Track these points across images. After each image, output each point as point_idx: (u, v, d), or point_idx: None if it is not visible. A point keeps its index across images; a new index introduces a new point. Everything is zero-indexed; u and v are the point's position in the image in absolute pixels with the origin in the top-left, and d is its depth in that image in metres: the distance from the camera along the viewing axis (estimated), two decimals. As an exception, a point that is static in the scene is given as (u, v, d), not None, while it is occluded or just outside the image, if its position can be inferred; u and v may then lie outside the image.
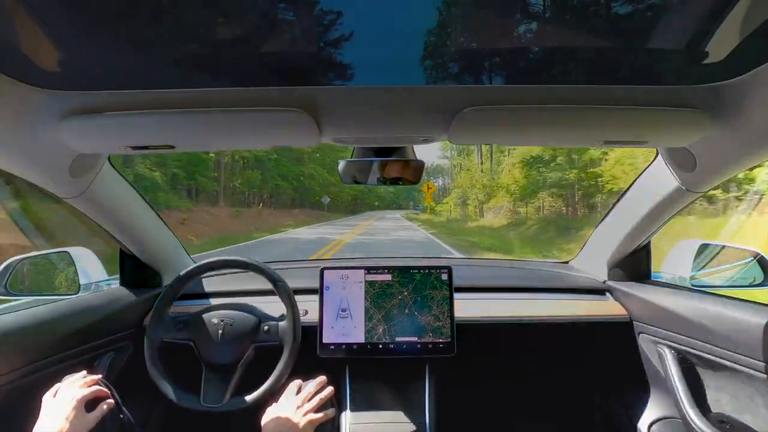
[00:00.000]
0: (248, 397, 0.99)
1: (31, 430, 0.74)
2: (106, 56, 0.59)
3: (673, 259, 1.27)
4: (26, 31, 0.53)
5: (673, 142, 0.84)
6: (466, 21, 0.56)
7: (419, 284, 1.18)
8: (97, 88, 0.65)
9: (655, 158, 1.02)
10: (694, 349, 1.00)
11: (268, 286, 1.06)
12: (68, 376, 0.85)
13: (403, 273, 1.19)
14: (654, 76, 0.65)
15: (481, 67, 0.63)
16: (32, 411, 0.78)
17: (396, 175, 0.98)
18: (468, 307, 1.24)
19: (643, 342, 1.17)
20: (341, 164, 1.01)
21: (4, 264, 1.15)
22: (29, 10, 0.49)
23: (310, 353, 1.10)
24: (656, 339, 1.12)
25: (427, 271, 1.18)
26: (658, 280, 1.26)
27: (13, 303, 1.17)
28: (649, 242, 1.23)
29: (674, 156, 0.91)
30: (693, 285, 1.20)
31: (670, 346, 1.07)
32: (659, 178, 1.01)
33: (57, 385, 0.83)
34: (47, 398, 0.80)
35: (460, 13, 0.55)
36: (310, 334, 1.12)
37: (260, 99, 0.68)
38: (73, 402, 0.77)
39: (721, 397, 0.97)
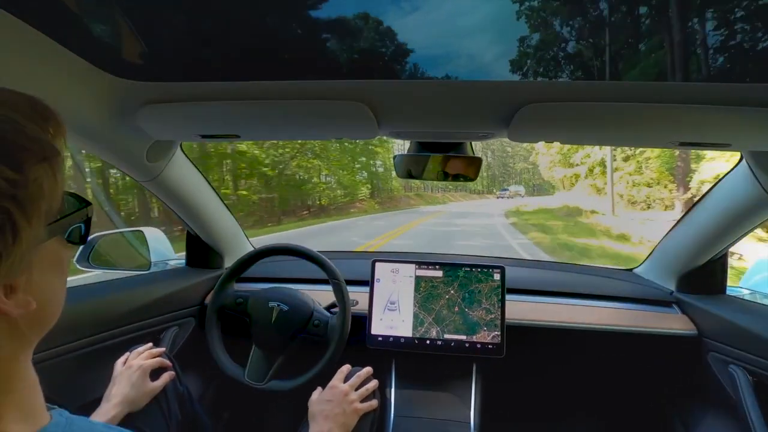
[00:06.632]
0: (287, 384, 1.03)
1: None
2: (182, 49, 0.63)
3: (752, 274, 1.16)
4: (113, 24, 0.58)
5: (760, 145, 0.77)
6: (529, 15, 0.54)
7: (464, 280, 1.16)
8: (172, 79, 0.70)
9: (738, 163, 0.94)
10: None
11: (322, 275, 1.10)
12: (136, 346, 0.94)
13: (454, 270, 1.17)
14: (739, 72, 0.59)
15: (544, 62, 0.61)
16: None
17: (453, 171, 0.98)
18: (521, 309, 1.20)
19: (713, 361, 1.08)
20: (397, 158, 1.01)
21: (88, 239, 1.27)
22: (117, 4, 0.54)
23: (358, 343, 1.12)
24: (728, 359, 1.03)
25: (479, 270, 1.16)
26: (733, 295, 1.16)
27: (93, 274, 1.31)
28: (726, 254, 1.13)
29: (760, 161, 0.84)
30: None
31: (744, 368, 0.98)
32: (742, 185, 0.93)
33: (126, 354, 0.91)
34: (118, 365, 0.88)
35: (524, 7, 0.53)
36: (359, 323, 1.14)
37: (321, 91, 0.70)
38: (139, 371, 0.86)
39: None
